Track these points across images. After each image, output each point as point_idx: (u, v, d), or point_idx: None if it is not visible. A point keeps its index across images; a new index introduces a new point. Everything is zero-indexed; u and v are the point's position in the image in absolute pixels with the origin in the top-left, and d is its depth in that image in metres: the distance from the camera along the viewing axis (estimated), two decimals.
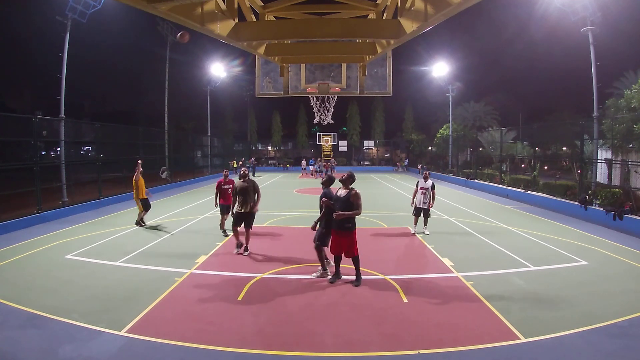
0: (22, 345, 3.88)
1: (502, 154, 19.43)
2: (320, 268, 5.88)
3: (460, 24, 37.58)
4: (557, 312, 4.66)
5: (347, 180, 5.63)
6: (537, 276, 5.97)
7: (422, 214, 8.75)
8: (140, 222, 9.46)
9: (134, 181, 9.40)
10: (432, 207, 8.75)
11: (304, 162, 31.62)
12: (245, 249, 7.10)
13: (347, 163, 40.63)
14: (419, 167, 31.09)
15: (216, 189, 8.60)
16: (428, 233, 8.77)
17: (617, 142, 12.39)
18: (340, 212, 5.37)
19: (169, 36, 22.14)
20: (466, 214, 11.61)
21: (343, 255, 5.60)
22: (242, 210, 6.97)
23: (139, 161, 9.59)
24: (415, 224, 8.92)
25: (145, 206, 9.52)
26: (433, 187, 8.74)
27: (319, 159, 33.25)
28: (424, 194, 8.63)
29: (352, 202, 5.44)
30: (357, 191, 5.53)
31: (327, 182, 5.93)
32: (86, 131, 15.24)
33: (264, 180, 24.52)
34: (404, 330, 4.23)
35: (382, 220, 10.40)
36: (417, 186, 8.81)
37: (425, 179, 8.71)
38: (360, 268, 5.65)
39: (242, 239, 7.19)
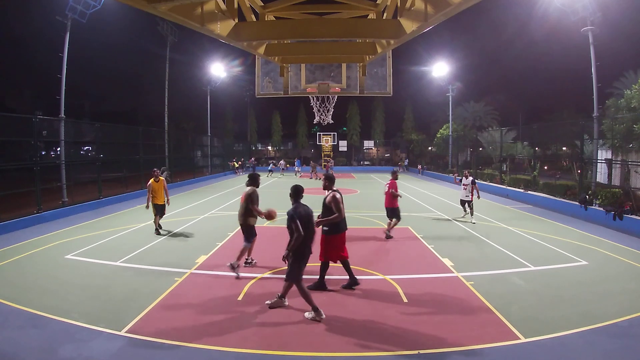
0: (22, 345, 3.88)
1: (502, 154, 19.43)
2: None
3: (460, 24, 37.56)
4: (557, 312, 4.66)
5: (327, 184, 5.36)
6: (537, 276, 5.97)
7: (466, 205, 10.46)
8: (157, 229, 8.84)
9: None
10: (479, 197, 10.55)
11: (282, 162, 30.61)
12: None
13: (347, 163, 40.65)
14: (419, 167, 31.12)
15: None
16: (474, 222, 10.04)
17: (617, 142, 12.40)
18: (318, 220, 5.02)
19: (169, 36, 22.15)
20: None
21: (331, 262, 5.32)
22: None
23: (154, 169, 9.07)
24: (465, 210, 10.63)
25: (157, 211, 8.83)
26: (473, 182, 10.36)
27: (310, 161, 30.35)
28: (465, 189, 10.34)
29: (328, 207, 5.14)
30: (334, 193, 5.14)
31: (294, 194, 4.71)
32: (86, 131, 15.25)
33: (264, 180, 24.52)
34: (404, 330, 4.23)
35: (382, 220, 10.39)
36: (460, 182, 10.76)
37: (466, 177, 10.46)
38: (351, 269, 5.39)
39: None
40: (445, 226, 9.82)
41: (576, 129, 14.26)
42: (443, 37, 34.94)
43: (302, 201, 4.71)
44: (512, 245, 7.77)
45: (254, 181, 6.19)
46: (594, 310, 4.68)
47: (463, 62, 32.54)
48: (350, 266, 5.49)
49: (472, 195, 10.22)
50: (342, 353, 3.78)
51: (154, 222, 8.87)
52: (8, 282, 5.59)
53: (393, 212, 8.40)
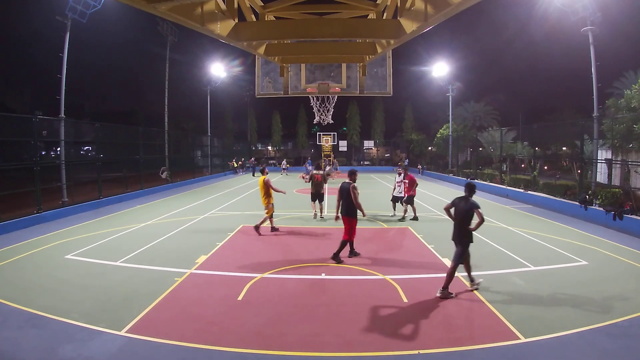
0: (22, 345, 3.88)
1: (502, 154, 19.43)
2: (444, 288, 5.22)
3: (460, 24, 37.64)
4: (557, 312, 4.66)
5: (351, 177, 7.09)
6: (537, 276, 5.97)
7: (398, 202, 10.76)
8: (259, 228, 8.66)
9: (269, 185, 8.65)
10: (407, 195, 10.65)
11: (284, 162, 30.58)
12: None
13: (347, 163, 40.66)
14: (419, 167, 31.16)
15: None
16: (395, 214, 10.77)
17: (617, 142, 12.39)
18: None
19: (169, 36, 22.14)
20: None
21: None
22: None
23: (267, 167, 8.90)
24: (394, 208, 10.99)
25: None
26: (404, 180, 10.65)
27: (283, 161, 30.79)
28: (399, 185, 10.59)
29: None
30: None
31: (472, 189, 5.37)
32: (86, 131, 15.22)
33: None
34: (404, 330, 4.23)
35: (382, 220, 10.39)
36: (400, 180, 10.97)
37: (399, 174, 10.68)
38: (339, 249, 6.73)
39: None
40: (445, 226, 9.78)
41: (576, 129, 14.25)
42: (443, 37, 35.12)
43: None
44: (512, 245, 7.77)
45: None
46: (594, 310, 4.68)
47: (463, 62, 32.69)
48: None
49: (405, 192, 10.43)
50: (342, 353, 3.78)
51: (270, 221, 8.88)
52: (8, 282, 5.59)
53: (411, 198, 10.29)
